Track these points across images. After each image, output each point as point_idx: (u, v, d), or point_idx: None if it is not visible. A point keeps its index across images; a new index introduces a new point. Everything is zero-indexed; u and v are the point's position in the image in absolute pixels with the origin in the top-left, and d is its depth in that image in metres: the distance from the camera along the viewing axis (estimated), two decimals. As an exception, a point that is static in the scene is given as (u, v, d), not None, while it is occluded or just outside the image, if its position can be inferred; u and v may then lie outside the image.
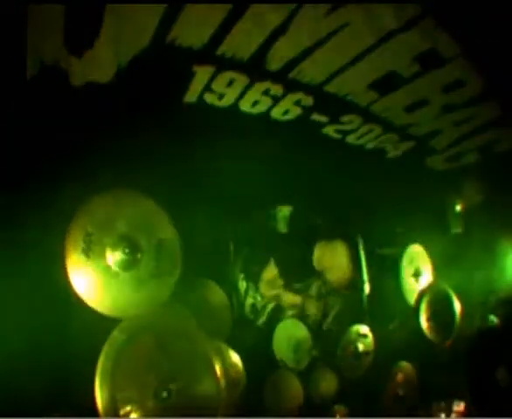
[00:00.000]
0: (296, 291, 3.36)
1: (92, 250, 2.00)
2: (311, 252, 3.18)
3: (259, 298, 3.29)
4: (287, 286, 3.32)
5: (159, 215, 2.21)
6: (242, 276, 3.28)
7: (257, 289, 3.33)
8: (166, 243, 2.16)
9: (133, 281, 2.08)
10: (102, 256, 2.03)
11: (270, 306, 3.37)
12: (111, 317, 2.03)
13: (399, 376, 3.50)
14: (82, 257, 1.98)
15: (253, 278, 3.30)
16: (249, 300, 3.30)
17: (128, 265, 2.07)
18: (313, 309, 3.42)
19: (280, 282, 3.27)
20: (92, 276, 1.99)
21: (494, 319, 3.68)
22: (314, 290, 3.44)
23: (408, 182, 3.37)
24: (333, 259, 3.21)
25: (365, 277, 3.59)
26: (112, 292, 2.03)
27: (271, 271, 3.28)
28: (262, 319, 3.33)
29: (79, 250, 1.98)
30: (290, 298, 3.37)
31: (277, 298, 3.34)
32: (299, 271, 3.25)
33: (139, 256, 2.10)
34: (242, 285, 3.28)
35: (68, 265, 1.95)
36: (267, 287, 3.28)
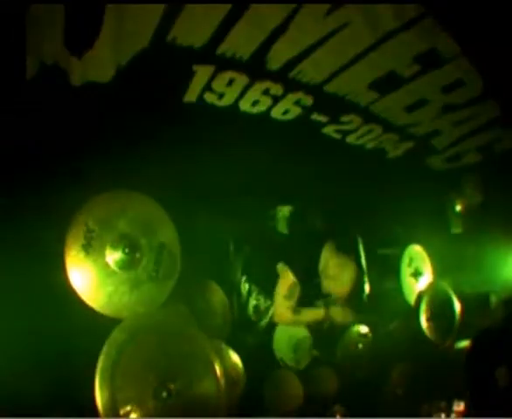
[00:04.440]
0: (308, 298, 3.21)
1: (92, 246, 2.00)
2: (317, 252, 3.09)
3: (262, 300, 3.27)
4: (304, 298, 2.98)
5: (162, 217, 2.21)
6: (244, 278, 3.26)
7: (265, 298, 3.16)
8: (167, 247, 2.16)
9: (130, 282, 2.08)
10: (102, 253, 2.03)
11: (273, 308, 3.35)
12: (108, 315, 2.03)
13: (399, 376, 3.50)
14: (81, 253, 1.98)
15: (256, 281, 3.25)
16: (252, 302, 3.28)
17: (126, 265, 2.07)
18: (340, 315, 3.08)
19: (299, 288, 2.88)
20: (89, 272, 2.00)
21: (494, 319, 3.67)
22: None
23: (408, 182, 3.37)
24: (339, 273, 3.03)
25: (365, 277, 3.58)
26: (107, 291, 2.04)
27: (287, 279, 2.88)
28: (265, 320, 3.32)
29: (80, 245, 1.98)
30: (311, 315, 3.04)
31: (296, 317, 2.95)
32: (305, 272, 3.18)
33: (138, 257, 2.10)
34: (244, 286, 3.27)
35: (67, 261, 1.96)
36: (285, 300, 2.88)
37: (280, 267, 2.97)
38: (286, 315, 2.93)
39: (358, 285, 3.01)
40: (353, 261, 2.96)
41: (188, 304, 2.57)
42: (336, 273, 2.92)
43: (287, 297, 2.89)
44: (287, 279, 2.90)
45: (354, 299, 3.10)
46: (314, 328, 3.42)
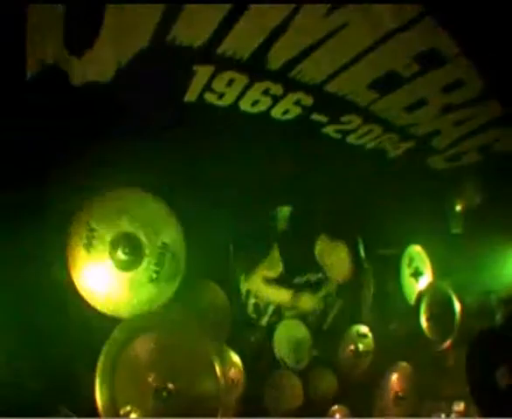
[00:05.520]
0: (295, 286, 3.31)
1: (93, 245, 2.00)
2: (312, 245, 3.13)
3: (261, 298, 3.28)
4: (286, 280, 3.22)
5: (165, 217, 2.20)
6: (243, 276, 3.27)
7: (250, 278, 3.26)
8: (170, 248, 2.15)
9: (131, 282, 2.08)
10: (103, 253, 2.03)
11: (272, 306, 3.36)
12: (108, 315, 2.03)
13: (399, 376, 3.49)
14: (83, 253, 1.98)
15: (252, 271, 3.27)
16: (251, 300, 3.29)
17: (128, 265, 2.07)
18: (309, 303, 3.36)
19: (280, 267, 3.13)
20: (90, 272, 2.00)
21: (494, 319, 3.67)
22: (314, 283, 3.40)
23: (408, 182, 3.37)
24: (334, 258, 3.16)
25: (369, 276, 3.59)
26: (108, 291, 2.03)
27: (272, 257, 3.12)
28: (265, 319, 3.33)
29: (81, 244, 1.98)
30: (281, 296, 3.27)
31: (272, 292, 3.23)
32: (300, 264, 3.21)
33: (140, 257, 2.10)
34: (244, 285, 3.27)
35: (68, 260, 1.96)
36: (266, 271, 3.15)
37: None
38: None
39: (356, 267, 3.11)
40: (344, 245, 3.02)
41: (188, 304, 2.57)
42: (332, 258, 3.00)
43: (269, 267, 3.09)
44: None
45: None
46: (314, 329, 3.43)
